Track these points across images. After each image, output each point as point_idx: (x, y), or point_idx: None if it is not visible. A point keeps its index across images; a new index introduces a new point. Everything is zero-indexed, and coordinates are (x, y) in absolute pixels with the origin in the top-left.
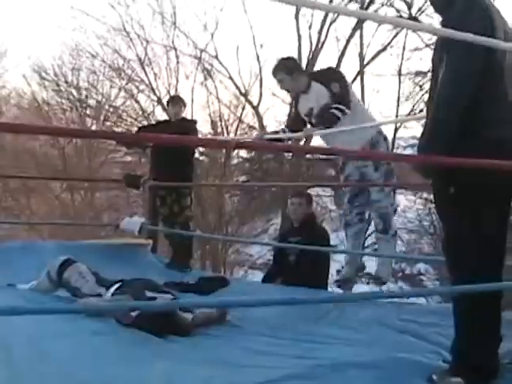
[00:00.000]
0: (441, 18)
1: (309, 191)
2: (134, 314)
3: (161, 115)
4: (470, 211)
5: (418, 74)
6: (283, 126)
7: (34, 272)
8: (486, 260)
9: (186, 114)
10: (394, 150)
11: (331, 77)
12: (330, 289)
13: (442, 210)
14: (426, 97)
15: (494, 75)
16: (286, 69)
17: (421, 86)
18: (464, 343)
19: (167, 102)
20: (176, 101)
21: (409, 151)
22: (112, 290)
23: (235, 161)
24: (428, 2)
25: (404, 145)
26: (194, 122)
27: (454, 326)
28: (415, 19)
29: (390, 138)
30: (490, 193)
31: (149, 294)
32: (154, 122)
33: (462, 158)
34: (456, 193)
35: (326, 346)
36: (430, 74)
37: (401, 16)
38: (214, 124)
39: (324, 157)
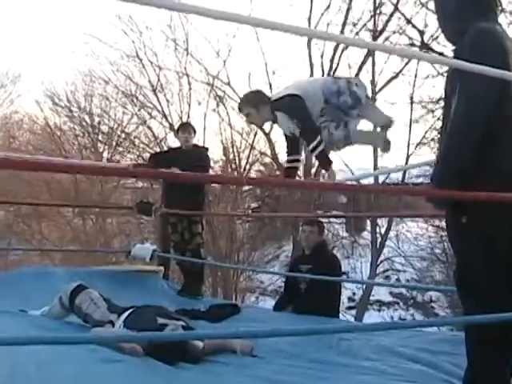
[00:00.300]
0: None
1: (320, 218)
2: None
3: (173, 141)
4: (482, 241)
5: (430, 102)
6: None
7: (45, 298)
8: (499, 290)
9: (198, 140)
10: (406, 179)
11: (290, 112)
12: (341, 316)
13: (453, 239)
14: (439, 124)
15: (508, 105)
16: (251, 103)
17: (433, 112)
18: (476, 372)
19: (177, 129)
20: (185, 128)
21: (421, 180)
22: (123, 316)
23: (247, 187)
24: (440, 30)
25: (416, 173)
26: (205, 149)
27: (466, 354)
28: (427, 47)
29: (401, 164)
30: (503, 223)
31: (160, 320)
32: (166, 149)
33: (474, 188)
34: (468, 222)
35: (338, 375)
36: (442, 102)
37: (413, 44)
38: (225, 150)
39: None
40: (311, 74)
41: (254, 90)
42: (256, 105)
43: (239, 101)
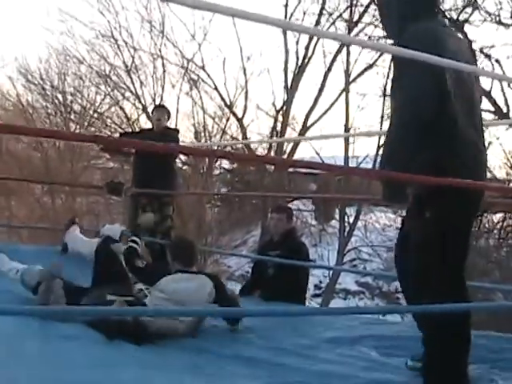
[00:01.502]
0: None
1: (289, 205)
2: None
3: (145, 123)
4: (443, 231)
5: None
6: None
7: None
8: (452, 285)
9: (171, 123)
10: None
11: None
12: (307, 304)
13: (415, 228)
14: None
15: (448, 98)
16: None
17: None
18: (433, 361)
19: (152, 110)
20: (160, 110)
21: None
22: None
23: (217, 171)
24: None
25: None
26: (176, 131)
27: (423, 343)
28: None
29: (372, 154)
30: (460, 211)
31: (109, 297)
32: (137, 130)
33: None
34: (431, 216)
35: (297, 362)
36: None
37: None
38: (197, 134)
39: (306, 171)
40: (286, 61)
41: None
42: None
43: None
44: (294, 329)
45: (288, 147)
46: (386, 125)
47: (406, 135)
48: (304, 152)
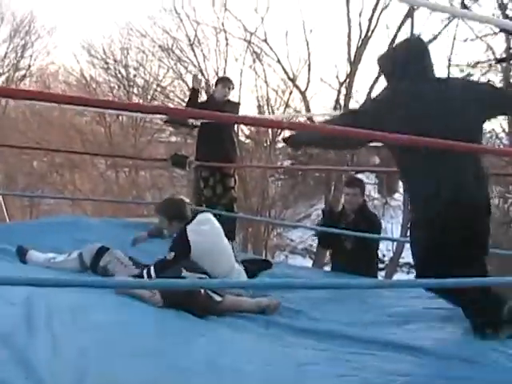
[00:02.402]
0: None
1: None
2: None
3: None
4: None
5: (468, 65)
6: None
7: (78, 246)
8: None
9: (234, 96)
10: None
11: None
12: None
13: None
14: None
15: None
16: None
17: (470, 76)
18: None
19: (216, 81)
20: (226, 82)
21: None
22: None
23: (280, 145)
24: None
25: None
26: (238, 104)
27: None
28: (465, 8)
29: None
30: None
31: (185, 273)
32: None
33: None
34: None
35: (366, 333)
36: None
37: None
38: (260, 108)
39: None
40: (349, 34)
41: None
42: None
43: None
44: (362, 301)
45: None
46: None
47: None
48: None
